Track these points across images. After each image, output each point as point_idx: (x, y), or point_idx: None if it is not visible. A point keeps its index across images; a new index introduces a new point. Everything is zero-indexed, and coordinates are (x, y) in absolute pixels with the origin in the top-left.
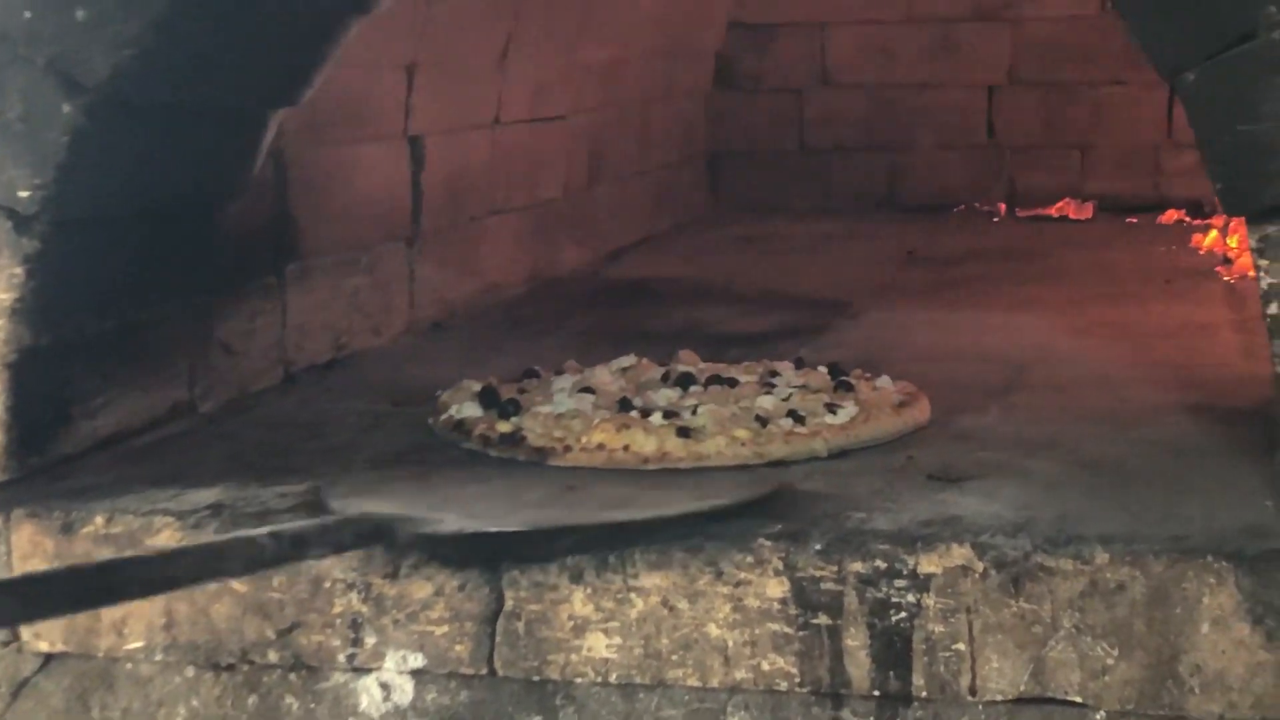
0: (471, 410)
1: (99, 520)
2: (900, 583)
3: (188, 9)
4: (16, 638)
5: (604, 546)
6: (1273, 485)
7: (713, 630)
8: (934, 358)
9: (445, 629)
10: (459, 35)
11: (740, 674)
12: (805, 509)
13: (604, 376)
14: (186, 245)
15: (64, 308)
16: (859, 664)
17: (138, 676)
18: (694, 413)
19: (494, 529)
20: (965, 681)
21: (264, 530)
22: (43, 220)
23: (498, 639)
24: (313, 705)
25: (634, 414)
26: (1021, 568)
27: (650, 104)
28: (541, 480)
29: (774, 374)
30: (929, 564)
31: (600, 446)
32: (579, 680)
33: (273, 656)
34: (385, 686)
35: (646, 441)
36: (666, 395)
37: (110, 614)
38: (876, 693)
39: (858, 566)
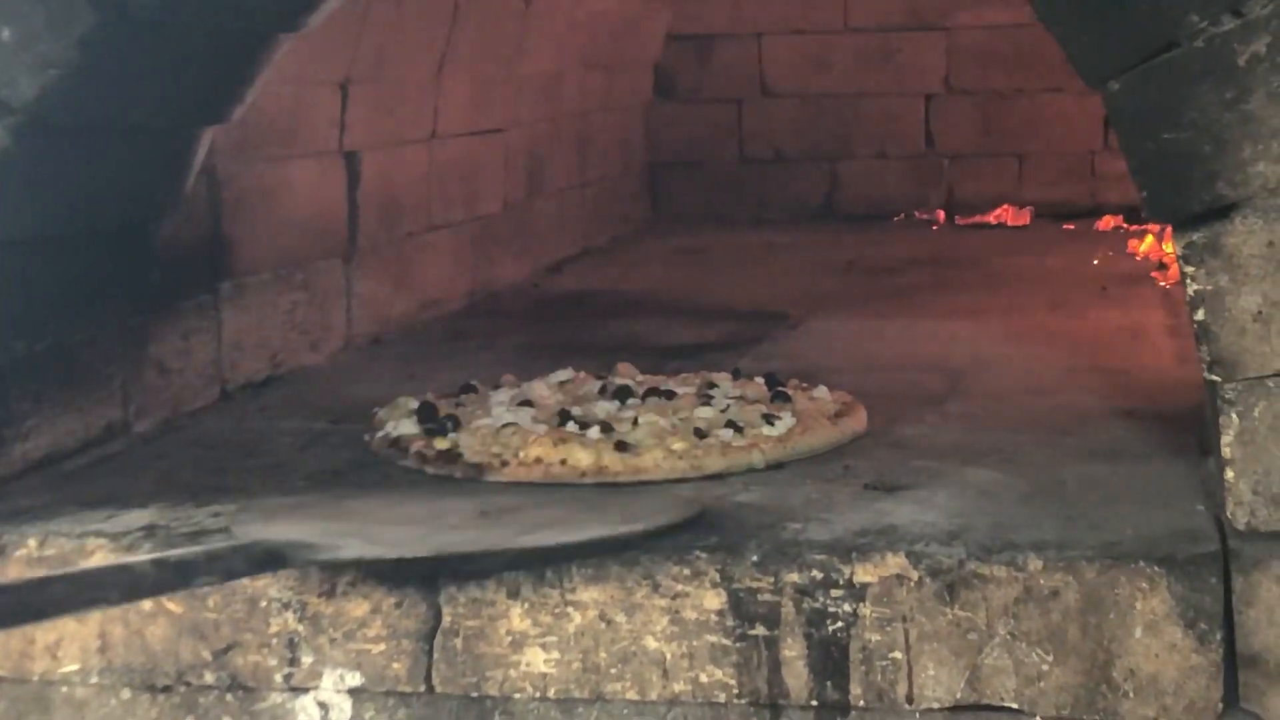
0: (408, 427)
1: (31, 543)
2: (836, 593)
3: (114, 29)
4: None
5: (513, 570)
6: (1204, 489)
7: (650, 643)
8: (872, 367)
9: (383, 647)
10: (394, 50)
11: (679, 686)
12: (741, 521)
13: (542, 390)
14: (119, 264)
15: None
16: (797, 674)
17: (74, 700)
18: (634, 424)
19: (394, 555)
20: (902, 690)
21: (146, 558)
22: None
23: (435, 656)
24: None
25: (572, 426)
26: (956, 575)
27: (589, 116)
28: (470, 499)
29: (712, 385)
30: (865, 573)
31: (537, 461)
32: (518, 696)
33: (209, 677)
34: (323, 706)
35: (584, 456)
36: (605, 408)
37: (44, 637)
38: (815, 703)
39: (794, 577)
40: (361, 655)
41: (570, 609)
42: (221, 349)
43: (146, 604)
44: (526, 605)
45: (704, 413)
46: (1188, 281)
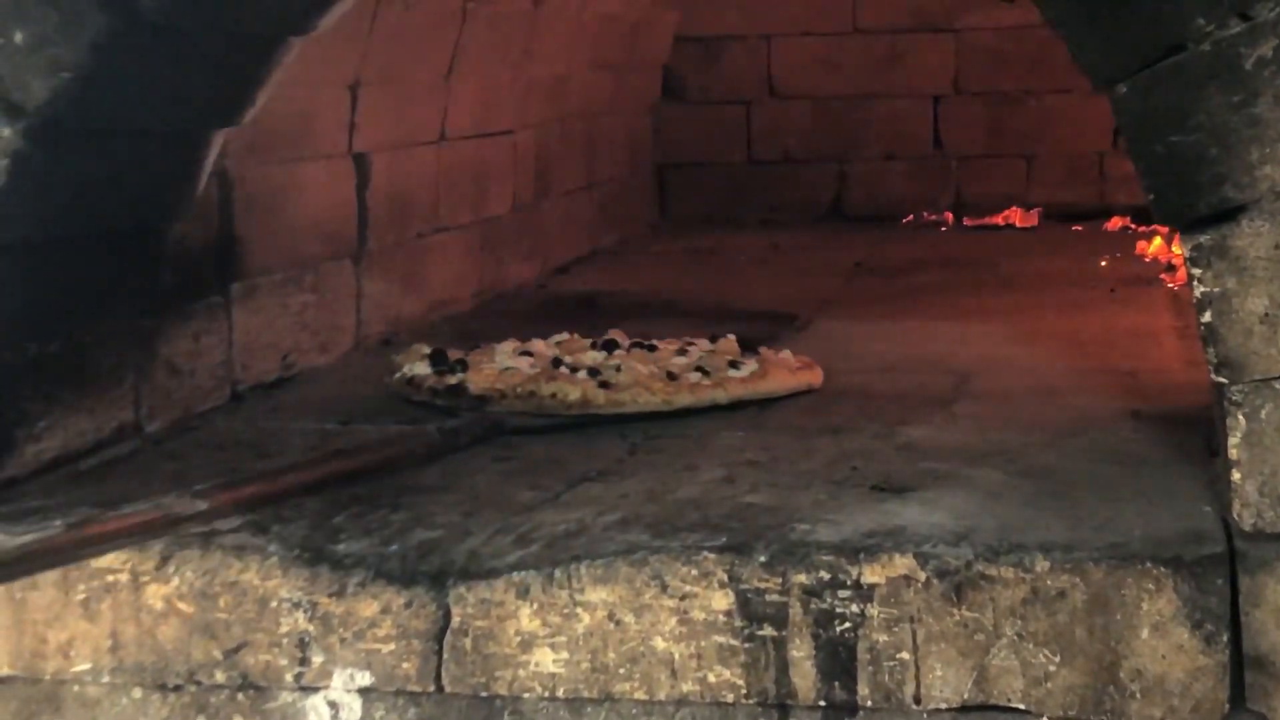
0: (422, 369)
1: None
2: (844, 593)
3: (126, 32)
4: None
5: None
6: (1211, 491)
7: (659, 643)
8: (880, 368)
9: (392, 646)
10: (404, 52)
11: (687, 686)
12: (749, 521)
13: (540, 345)
14: (130, 266)
15: (6, 330)
16: (804, 675)
17: (85, 699)
18: (618, 370)
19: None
20: (910, 690)
21: (433, 427)
22: None
23: (445, 656)
24: None
25: (564, 369)
26: (963, 576)
27: (597, 117)
28: None
29: (690, 343)
30: (872, 574)
31: (531, 394)
32: (526, 695)
33: (220, 677)
34: (333, 705)
35: (571, 390)
36: (593, 356)
37: (56, 636)
38: (822, 703)
39: (802, 578)
40: (371, 655)
41: (579, 609)
42: (232, 350)
43: (158, 604)
44: (535, 606)
45: (679, 360)
46: (1195, 283)
